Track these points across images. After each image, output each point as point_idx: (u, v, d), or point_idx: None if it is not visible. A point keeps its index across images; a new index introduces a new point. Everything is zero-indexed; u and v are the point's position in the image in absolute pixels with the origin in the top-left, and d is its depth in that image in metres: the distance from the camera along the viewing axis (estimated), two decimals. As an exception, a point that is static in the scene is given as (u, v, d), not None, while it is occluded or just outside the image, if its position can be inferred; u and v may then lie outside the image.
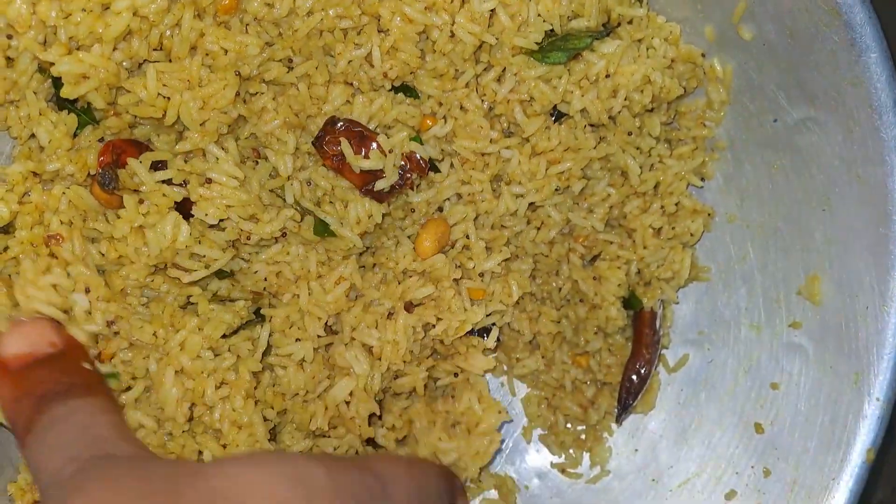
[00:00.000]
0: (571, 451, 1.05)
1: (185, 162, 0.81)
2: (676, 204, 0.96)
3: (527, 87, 0.86)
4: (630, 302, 0.98)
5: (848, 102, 0.84)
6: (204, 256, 0.81)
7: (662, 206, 0.95)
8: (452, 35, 0.84)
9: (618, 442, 1.05)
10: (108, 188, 0.76)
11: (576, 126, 0.89)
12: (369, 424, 0.88)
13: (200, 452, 0.83)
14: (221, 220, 0.81)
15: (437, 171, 0.88)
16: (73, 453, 0.64)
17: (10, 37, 0.77)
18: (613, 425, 1.04)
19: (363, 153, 0.83)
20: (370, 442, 0.93)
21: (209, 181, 0.80)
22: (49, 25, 0.76)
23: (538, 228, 0.94)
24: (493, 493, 1.04)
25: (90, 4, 0.75)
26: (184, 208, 0.81)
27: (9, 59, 0.79)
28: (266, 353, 0.86)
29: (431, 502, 0.77)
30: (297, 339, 0.86)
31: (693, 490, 1.00)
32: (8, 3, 0.74)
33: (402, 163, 0.84)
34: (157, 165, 0.80)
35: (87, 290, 0.79)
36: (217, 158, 0.80)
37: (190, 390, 0.81)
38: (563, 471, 1.05)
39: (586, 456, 1.05)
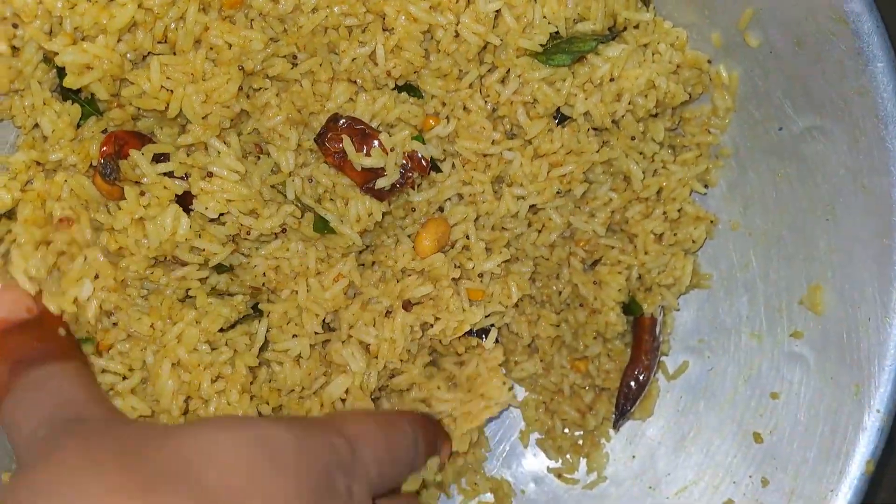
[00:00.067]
0: (568, 456, 1.04)
1: (188, 155, 0.81)
2: (679, 210, 0.96)
3: (530, 89, 0.85)
4: (630, 307, 0.98)
5: (854, 112, 0.84)
6: (203, 250, 0.81)
7: (665, 212, 0.95)
8: (457, 35, 0.84)
9: (615, 448, 1.04)
10: (109, 178, 0.77)
11: (579, 129, 0.88)
12: None
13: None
14: (222, 215, 0.81)
15: (438, 170, 0.88)
16: (47, 416, 0.66)
17: (15, 26, 0.78)
18: (611, 431, 1.04)
19: (365, 151, 0.83)
20: None
21: (210, 175, 0.80)
22: (55, 15, 0.77)
23: (539, 231, 0.93)
24: (489, 497, 1.04)
25: (96, -5, 0.76)
26: (184, 202, 0.81)
27: (14, 49, 0.79)
28: (263, 348, 0.86)
29: (405, 460, 0.78)
30: (295, 336, 0.86)
31: (690, 498, 0.99)
32: (15, -8, 0.75)
33: (404, 161, 0.84)
34: (158, 158, 0.80)
35: (97, 276, 0.79)
36: (219, 152, 0.80)
37: (186, 383, 0.81)
38: (559, 476, 1.05)
39: (583, 461, 1.04)
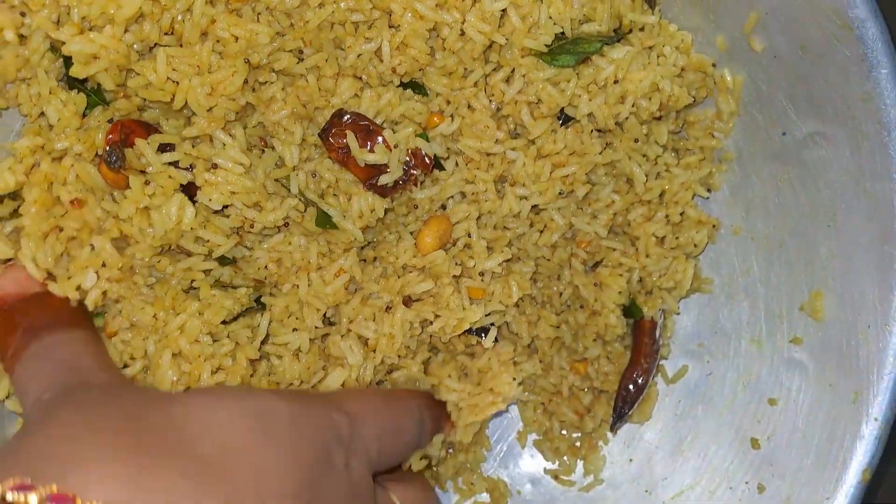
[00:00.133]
0: (566, 457, 1.04)
1: (193, 147, 0.81)
2: (681, 214, 0.96)
3: (535, 89, 0.86)
4: (630, 310, 0.98)
5: (857, 117, 0.84)
6: (208, 241, 0.81)
7: (667, 216, 0.95)
8: (462, 33, 0.84)
9: (613, 451, 1.04)
10: (114, 166, 0.77)
11: (582, 130, 0.89)
12: None
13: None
14: (225, 207, 0.81)
15: (441, 168, 0.88)
16: (53, 381, 0.69)
17: (23, 14, 0.78)
18: (609, 434, 1.04)
19: (369, 147, 0.83)
20: None
21: (215, 167, 0.80)
22: (62, 5, 0.77)
23: (541, 232, 0.93)
24: (486, 497, 1.04)
25: (104, -15, 0.76)
26: (189, 193, 0.81)
27: (22, 37, 0.79)
28: (263, 341, 0.86)
29: (409, 437, 0.78)
30: (295, 329, 0.86)
31: (686, 503, 0.99)
32: (23, -19, 0.76)
33: (407, 158, 0.85)
34: (164, 148, 0.80)
35: (104, 265, 0.80)
36: (224, 144, 0.81)
37: (186, 373, 0.81)
38: (556, 477, 1.05)
39: (580, 463, 1.04)
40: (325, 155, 0.86)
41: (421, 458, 0.89)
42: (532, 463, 1.06)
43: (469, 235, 0.89)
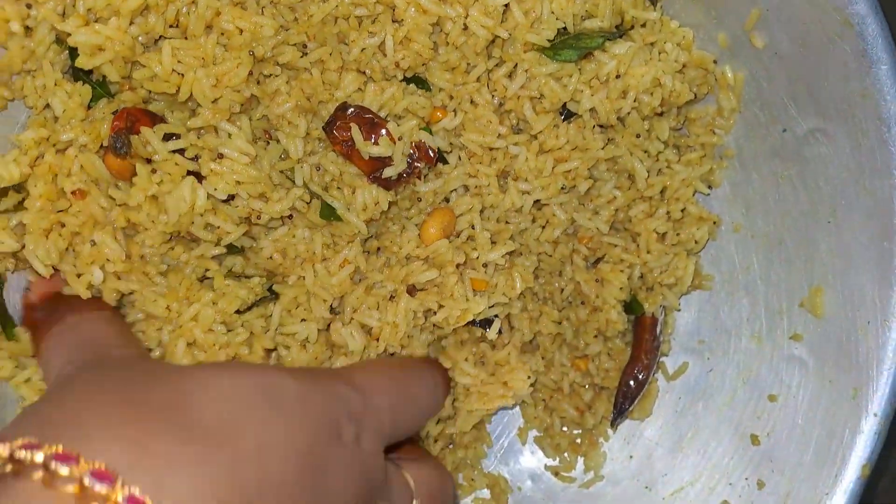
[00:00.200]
0: (566, 454, 1.04)
1: (198, 138, 0.82)
2: (682, 210, 0.96)
3: (537, 84, 0.86)
4: (631, 306, 0.98)
5: (857, 114, 0.84)
6: (218, 227, 0.82)
7: (668, 212, 0.95)
8: (465, 28, 0.84)
9: (613, 447, 1.04)
10: (121, 153, 0.77)
11: (584, 126, 0.89)
12: None
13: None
14: (231, 198, 0.82)
15: (445, 162, 0.88)
16: (75, 356, 0.74)
17: (29, 6, 0.78)
18: (609, 430, 1.04)
19: (373, 140, 0.83)
20: None
21: (221, 156, 0.81)
22: (69, -4, 0.78)
23: (543, 227, 0.94)
24: (486, 493, 1.04)
25: (109, -23, 0.77)
26: (195, 183, 0.82)
27: (27, 29, 0.80)
28: (272, 331, 0.87)
29: (424, 405, 0.79)
30: (303, 320, 0.87)
31: (686, 499, 0.99)
32: (29, -27, 0.76)
33: (411, 151, 0.85)
34: (169, 137, 0.81)
35: (108, 260, 0.80)
36: (229, 135, 0.81)
37: (201, 362, 0.82)
38: (556, 474, 1.05)
39: (581, 460, 1.04)
40: (329, 148, 0.86)
41: (437, 422, 0.89)
42: (532, 459, 1.06)
43: (472, 227, 0.89)
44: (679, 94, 0.89)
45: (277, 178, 0.84)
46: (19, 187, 0.81)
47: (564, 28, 0.86)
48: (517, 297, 0.92)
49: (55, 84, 0.81)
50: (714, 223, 0.97)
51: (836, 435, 0.89)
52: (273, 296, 0.87)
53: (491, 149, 0.88)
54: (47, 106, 0.82)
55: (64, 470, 0.47)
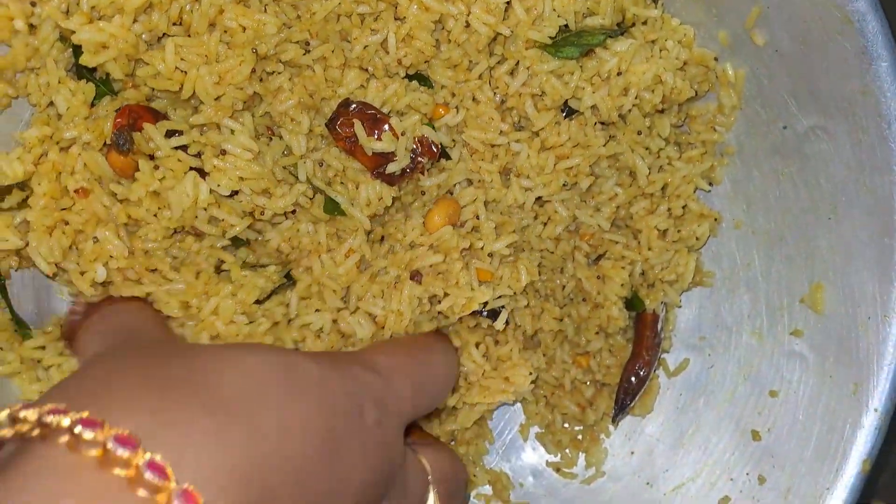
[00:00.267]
0: (567, 450, 1.05)
1: (201, 134, 0.82)
2: (683, 207, 0.96)
3: (539, 81, 0.86)
4: (632, 303, 0.98)
5: (857, 111, 0.85)
6: (222, 220, 0.82)
7: (669, 209, 0.96)
8: (467, 25, 0.85)
9: (614, 444, 1.05)
10: (123, 149, 0.78)
11: (586, 123, 0.89)
12: None
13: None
14: (235, 193, 0.82)
15: (448, 157, 0.89)
16: (108, 342, 0.78)
17: (33, 4, 0.79)
18: (611, 427, 1.04)
19: (376, 135, 0.84)
20: None
21: (224, 153, 0.81)
22: (72, -6, 0.78)
23: (545, 224, 0.94)
24: (488, 489, 1.04)
25: (113, -25, 0.77)
26: (198, 179, 0.82)
27: (31, 27, 0.80)
28: (287, 322, 0.87)
29: (443, 380, 0.81)
30: (317, 310, 0.87)
31: (687, 495, 0.99)
32: (33, -29, 0.76)
33: (414, 146, 0.85)
34: (171, 134, 0.81)
35: (112, 256, 0.80)
36: (232, 131, 0.81)
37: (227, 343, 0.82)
38: (558, 470, 1.05)
39: (582, 456, 1.05)
40: (332, 144, 0.86)
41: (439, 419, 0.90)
42: (534, 455, 1.06)
43: (477, 217, 0.89)
44: (680, 92, 0.89)
45: (281, 174, 0.84)
46: (23, 185, 0.81)
47: (566, 25, 0.86)
48: (522, 291, 0.92)
49: (59, 82, 0.81)
50: (715, 220, 0.98)
51: (836, 430, 0.89)
52: (290, 282, 0.87)
53: (493, 146, 0.89)
54: (51, 104, 0.82)
55: (89, 434, 0.48)
